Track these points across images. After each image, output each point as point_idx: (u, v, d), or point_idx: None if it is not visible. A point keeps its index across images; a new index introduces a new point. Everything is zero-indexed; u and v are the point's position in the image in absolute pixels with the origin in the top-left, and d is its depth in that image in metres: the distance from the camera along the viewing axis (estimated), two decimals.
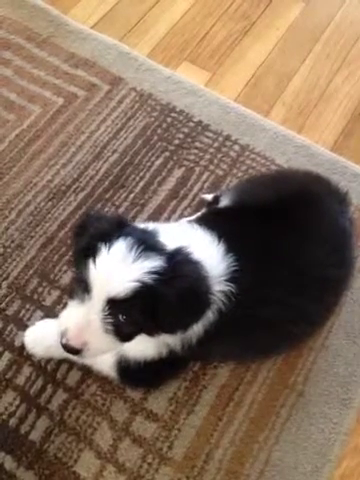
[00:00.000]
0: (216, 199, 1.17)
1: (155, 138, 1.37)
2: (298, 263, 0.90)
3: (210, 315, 0.83)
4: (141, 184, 1.30)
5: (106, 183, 1.29)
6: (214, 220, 1.01)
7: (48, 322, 1.05)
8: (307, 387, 1.07)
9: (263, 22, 1.64)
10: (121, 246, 0.74)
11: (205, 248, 0.85)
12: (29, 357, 1.05)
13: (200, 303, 0.78)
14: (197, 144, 1.37)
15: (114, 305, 0.73)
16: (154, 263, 0.73)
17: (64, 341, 0.76)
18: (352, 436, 1.04)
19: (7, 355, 1.06)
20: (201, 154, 1.36)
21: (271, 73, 1.54)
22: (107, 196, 1.27)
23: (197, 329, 0.84)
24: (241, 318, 0.86)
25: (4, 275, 1.15)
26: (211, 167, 1.34)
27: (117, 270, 0.72)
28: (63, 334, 0.76)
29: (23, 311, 1.11)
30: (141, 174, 1.31)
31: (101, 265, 0.73)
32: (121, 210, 1.26)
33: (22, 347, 1.05)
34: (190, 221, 1.03)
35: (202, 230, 0.90)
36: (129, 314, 0.75)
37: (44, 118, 1.38)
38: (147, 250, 0.74)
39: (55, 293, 1.13)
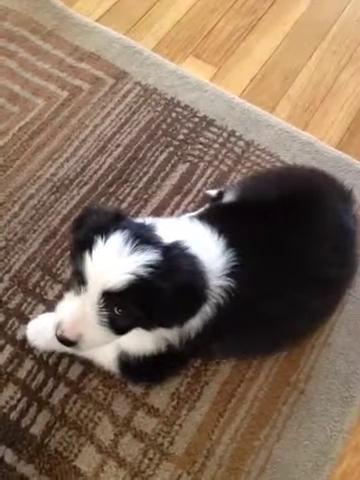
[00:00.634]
0: (220, 195, 1.17)
1: (159, 133, 1.37)
2: (301, 260, 0.90)
3: (208, 310, 0.82)
4: (145, 179, 1.29)
5: (109, 177, 1.29)
6: (216, 215, 1.00)
7: (50, 315, 1.04)
8: (309, 385, 1.07)
9: (269, 17, 1.63)
10: (117, 239, 0.74)
11: (203, 243, 0.84)
12: (31, 351, 1.05)
13: (196, 297, 0.78)
14: (201, 139, 1.36)
15: (109, 297, 0.73)
16: (150, 256, 0.73)
17: (59, 333, 0.76)
18: (353, 434, 1.04)
19: (9, 348, 1.06)
20: (205, 149, 1.35)
21: (277, 69, 1.53)
22: (110, 190, 1.27)
23: (195, 324, 0.84)
24: (242, 314, 0.86)
25: (6, 268, 1.14)
26: (215, 163, 1.33)
27: (113, 263, 0.72)
28: (58, 326, 0.76)
29: (25, 305, 1.11)
30: (145, 169, 1.31)
31: (97, 257, 0.73)
32: (124, 205, 1.25)
33: (24, 341, 1.05)
34: (191, 216, 1.02)
35: (202, 225, 0.89)
36: (124, 307, 0.74)
37: (48, 111, 1.37)
38: (143, 243, 0.74)
39: (57, 287, 1.13)
